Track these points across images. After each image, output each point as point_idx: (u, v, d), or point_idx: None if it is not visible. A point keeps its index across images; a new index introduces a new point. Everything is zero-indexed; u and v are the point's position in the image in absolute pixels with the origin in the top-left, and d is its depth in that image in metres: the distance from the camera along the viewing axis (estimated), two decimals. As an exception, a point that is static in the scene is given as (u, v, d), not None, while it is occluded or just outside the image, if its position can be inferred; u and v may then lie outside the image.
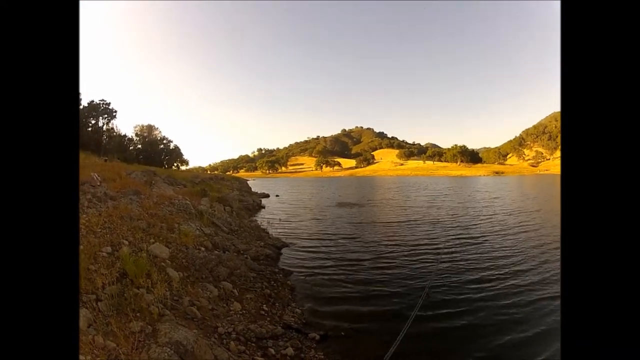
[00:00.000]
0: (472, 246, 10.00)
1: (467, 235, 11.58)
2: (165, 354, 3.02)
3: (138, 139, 56.63)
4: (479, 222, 14.49)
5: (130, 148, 52.47)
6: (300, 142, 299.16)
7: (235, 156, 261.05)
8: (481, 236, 11.41)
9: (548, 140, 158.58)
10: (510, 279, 6.99)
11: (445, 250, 9.53)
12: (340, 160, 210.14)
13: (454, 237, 11.39)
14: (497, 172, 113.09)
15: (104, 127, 45.38)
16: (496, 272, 7.43)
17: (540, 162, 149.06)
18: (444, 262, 8.29)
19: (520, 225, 13.28)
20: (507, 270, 7.60)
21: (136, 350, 3.01)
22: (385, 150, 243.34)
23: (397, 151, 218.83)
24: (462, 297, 6.12)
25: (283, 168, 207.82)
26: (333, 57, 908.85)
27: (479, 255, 8.98)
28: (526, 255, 8.88)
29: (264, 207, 21.78)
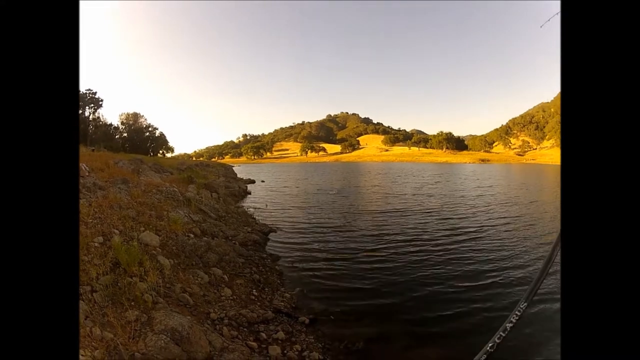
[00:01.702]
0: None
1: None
2: (162, 341, 3.10)
3: (124, 127, 55.49)
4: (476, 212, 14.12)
5: (116, 137, 51.35)
6: (285, 127, 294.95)
7: (220, 142, 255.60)
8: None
9: (535, 129, 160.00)
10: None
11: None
12: (326, 145, 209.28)
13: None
14: (483, 160, 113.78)
15: (90, 117, 44.25)
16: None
17: (527, 151, 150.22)
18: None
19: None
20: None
21: (133, 339, 3.08)
22: (371, 135, 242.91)
23: (382, 137, 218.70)
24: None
25: (268, 154, 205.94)
26: (319, 45, 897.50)
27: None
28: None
29: (249, 193, 21.75)
